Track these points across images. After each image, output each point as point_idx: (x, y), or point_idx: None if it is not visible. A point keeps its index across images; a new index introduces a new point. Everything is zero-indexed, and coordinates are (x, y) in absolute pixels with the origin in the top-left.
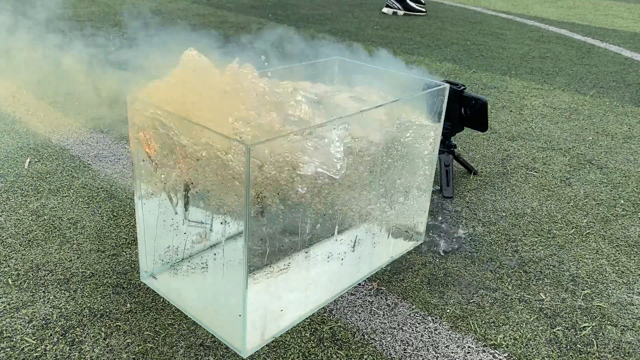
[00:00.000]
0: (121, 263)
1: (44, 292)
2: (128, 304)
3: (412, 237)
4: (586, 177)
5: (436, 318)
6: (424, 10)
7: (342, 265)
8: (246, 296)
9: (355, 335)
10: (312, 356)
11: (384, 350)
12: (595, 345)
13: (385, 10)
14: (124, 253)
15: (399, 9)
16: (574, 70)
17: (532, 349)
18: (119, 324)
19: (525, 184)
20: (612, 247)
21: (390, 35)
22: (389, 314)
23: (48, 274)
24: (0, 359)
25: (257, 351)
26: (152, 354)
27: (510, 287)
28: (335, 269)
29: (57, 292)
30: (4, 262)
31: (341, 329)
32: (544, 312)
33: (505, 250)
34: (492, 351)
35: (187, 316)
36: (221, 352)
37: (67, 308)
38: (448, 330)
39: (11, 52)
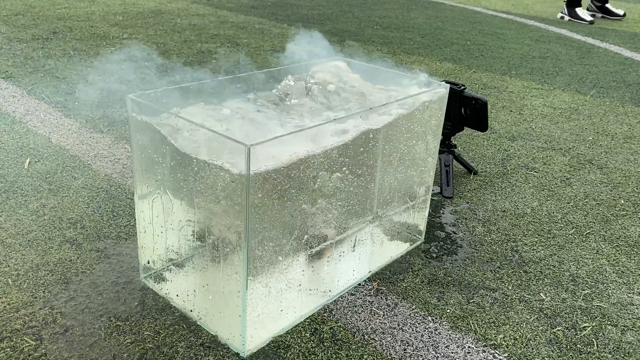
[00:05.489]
0: (121, 263)
1: (44, 292)
2: (128, 304)
3: (412, 237)
4: (586, 177)
5: (436, 318)
6: (592, 19)
7: (342, 265)
8: (246, 296)
9: (356, 335)
10: (312, 356)
11: (384, 350)
12: (595, 345)
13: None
14: (123, 253)
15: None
16: (574, 70)
17: (532, 349)
18: (119, 323)
19: (525, 184)
20: (612, 247)
21: (390, 35)
22: (389, 314)
23: (48, 274)
24: (0, 359)
25: (257, 351)
26: (152, 354)
27: (510, 287)
28: (336, 269)
29: (57, 292)
30: (4, 262)
31: (341, 329)
32: (544, 312)
33: (505, 250)
34: (492, 351)
35: (187, 316)
36: (221, 352)
37: (67, 308)
38: (448, 330)
39: None
